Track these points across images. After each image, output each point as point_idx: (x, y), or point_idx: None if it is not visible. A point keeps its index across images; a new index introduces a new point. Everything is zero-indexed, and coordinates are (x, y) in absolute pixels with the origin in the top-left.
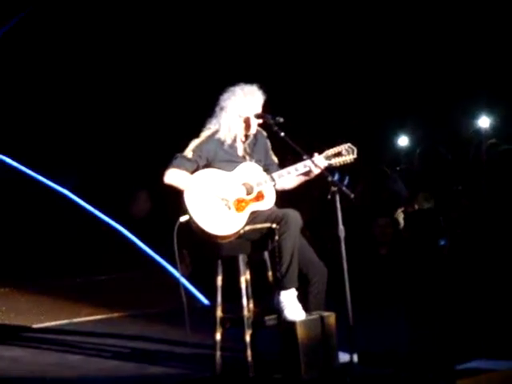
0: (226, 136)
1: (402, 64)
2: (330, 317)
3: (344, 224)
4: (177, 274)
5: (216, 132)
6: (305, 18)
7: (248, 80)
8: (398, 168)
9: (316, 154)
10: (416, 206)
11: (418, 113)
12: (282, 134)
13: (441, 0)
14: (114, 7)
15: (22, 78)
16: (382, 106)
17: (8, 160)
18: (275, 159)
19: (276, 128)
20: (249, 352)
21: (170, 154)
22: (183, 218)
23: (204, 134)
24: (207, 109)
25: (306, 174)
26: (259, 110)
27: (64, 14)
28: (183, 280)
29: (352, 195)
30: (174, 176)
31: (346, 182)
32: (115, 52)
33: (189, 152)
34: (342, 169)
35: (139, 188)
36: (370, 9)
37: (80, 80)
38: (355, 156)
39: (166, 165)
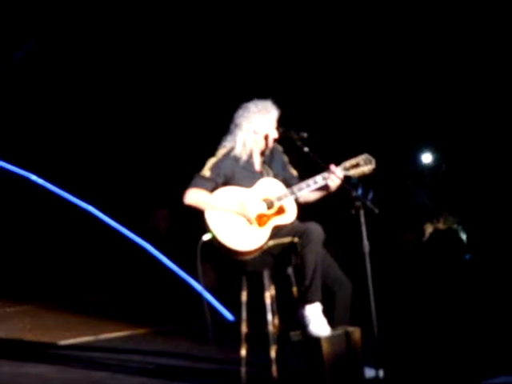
0: (241, 153)
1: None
2: (356, 332)
3: (369, 239)
4: (200, 289)
5: (232, 149)
6: (324, 33)
7: (263, 95)
8: (422, 182)
9: (333, 166)
10: (442, 221)
11: (443, 129)
12: (306, 148)
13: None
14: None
15: (44, 96)
16: (406, 120)
17: (34, 177)
18: (294, 172)
19: (299, 143)
20: (274, 368)
21: (187, 172)
22: (206, 237)
23: (220, 153)
24: (223, 126)
25: (327, 187)
26: (274, 125)
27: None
28: (207, 295)
29: (376, 210)
30: (194, 196)
31: (370, 196)
32: (136, 73)
33: (206, 171)
34: (367, 183)
35: (158, 206)
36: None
37: (104, 101)
38: (373, 166)
39: (185, 184)
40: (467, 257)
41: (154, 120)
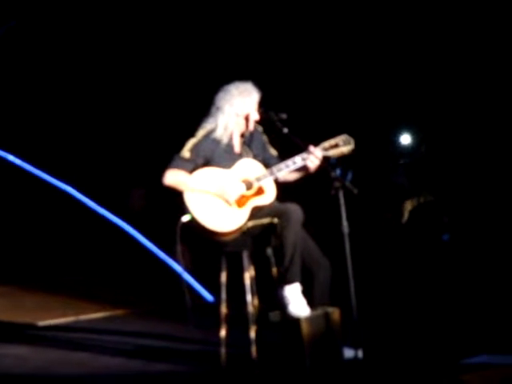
0: (222, 135)
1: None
2: (335, 312)
3: (348, 219)
4: (179, 270)
5: (212, 131)
6: (303, 12)
7: (243, 77)
8: (401, 162)
9: (312, 146)
10: (421, 200)
11: (422, 110)
12: (286, 130)
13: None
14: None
15: (21, 76)
16: (385, 101)
17: (11, 158)
18: (274, 152)
19: (279, 124)
20: (254, 348)
21: (165, 152)
22: (185, 218)
23: (200, 134)
24: (203, 107)
25: (306, 167)
26: (255, 107)
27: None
28: (186, 276)
29: (355, 190)
30: (173, 177)
31: (349, 177)
32: (111, 50)
33: (186, 152)
34: (346, 164)
35: (135, 186)
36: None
37: (78, 79)
38: (352, 146)
39: (163, 164)
40: (445, 237)
41: (133, 99)
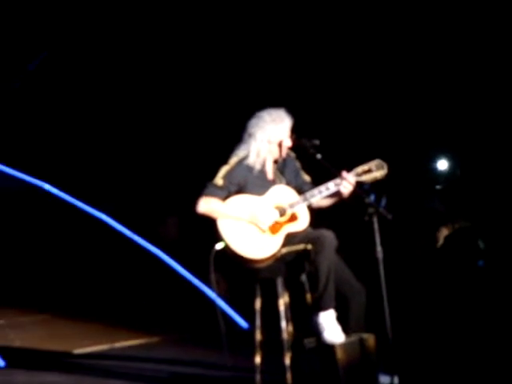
0: (255, 162)
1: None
2: (370, 338)
3: (382, 245)
4: (214, 297)
5: (245, 158)
6: (336, 41)
7: (276, 103)
8: (437, 187)
9: (344, 172)
10: (456, 226)
11: (458, 136)
12: (319, 156)
13: None
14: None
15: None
16: (420, 126)
17: (47, 186)
18: (307, 178)
19: (312, 150)
20: (289, 375)
21: (198, 180)
22: (219, 246)
23: (233, 161)
24: (236, 134)
25: (339, 193)
26: (287, 134)
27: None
28: (221, 303)
29: (390, 216)
30: (206, 205)
31: (383, 203)
32: (145, 77)
33: (219, 180)
34: (380, 190)
35: (168, 214)
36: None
37: (116, 109)
38: (386, 171)
39: (196, 192)
40: (481, 263)
41: (165, 127)
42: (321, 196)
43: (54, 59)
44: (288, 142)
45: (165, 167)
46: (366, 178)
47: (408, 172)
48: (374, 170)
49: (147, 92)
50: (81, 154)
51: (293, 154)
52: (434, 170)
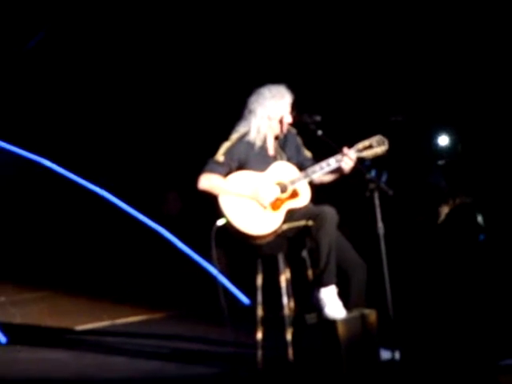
0: (255, 138)
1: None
2: (371, 314)
3: (383, 221)
4: (215, 273)
5: (246, 134)
6: (335, 16)
7: (276, 79)
8: (438, 163)
9: (345, 148)
10: (457, 202)
11: (460, 112)
12: (320, 132)
13: None
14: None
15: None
16: (422, 102)
17: (47, 162)
18: (309, 154)
19: (313, 126)
20: (290, 351)
21: (200, 156)
22: (220, 222)
23: (234, 137)
24: (237, 110)
25: (340, 169)
26: (288, 110)
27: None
28: (222, 279)
29: (391, 192)
30: (208, 181)
31: (384, 178)
32: (148, 58)
33: (220, 156)
34: (380, 166)
35: (169, 189)
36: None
37: (116, 84)
38: (387, 147)
39: (197, 167)
40: (482, 237)
41: (166, 103)
42: (322, 172)
43: (51, 36)
44: (288, 118)
45: (166, 142)
46: (366, 153)
47: (409, 148)
48: (375, 146)
49: (150, 68)
50: (80, 130)
51: (294, 130)
52: (435, 145)
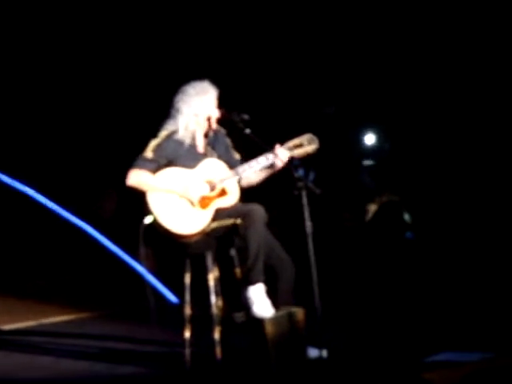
0: (184, 136)
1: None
2: (299, 312)
3: (311, 219)
4: (143, 272)
5: (174, 132)
6: (260, 10)
7: (203, 76)
8: (365, 162)
9: (277, 146)
10: (384, 199)
11: (386, 110)
12: (248, 130)
13: None
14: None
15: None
16: (349, 100)
17: None
18: (237, 156)
19: (241, 125)
20: (218, 349)
21: (131, 154)
22: (148, 220)
23: (162, 134)
24: (165, 108)
25: (270, 167)
26: (214, 104)
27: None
28: (150, 278)
29: (318, 191)
30: (136, 177)
31: (311, 177)
32: (83, 53)
33: (149, 152)
34: (308, 164)
35: (106, 188)
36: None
37: (49, 78)
38: (317, 146)
39: (128, 166)
40: (409, 235)
41: (103, 101)
42: (251, 171)
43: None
44: (215, 114)
45: (102, 142)
46: (297, 152)
47: (336, 146)
48: (306, 145)
49: (82, 66)
50: (6, 123)
51: (223, 131)
52: (362, 144)
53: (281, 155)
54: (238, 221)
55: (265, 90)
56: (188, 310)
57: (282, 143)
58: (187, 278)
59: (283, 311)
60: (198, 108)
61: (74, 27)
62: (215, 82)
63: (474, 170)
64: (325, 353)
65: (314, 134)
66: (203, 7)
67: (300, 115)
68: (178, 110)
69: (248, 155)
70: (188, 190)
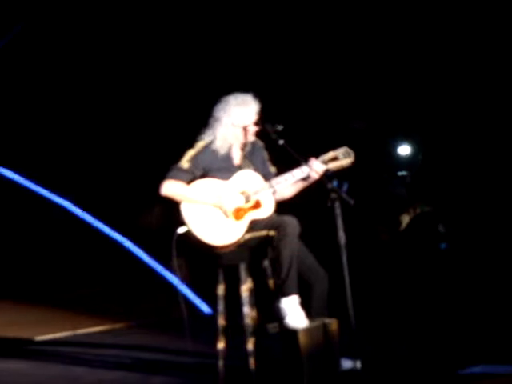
0: (221, 146)
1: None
2: (333, 323)
3: (344, 230)
4: (177, 283)
5: (211, 142)
6: (300, 26)
7: (243, 88)
8: (399, 173)
9: (312, 159)
10: (417, 211)
11: (421, 121)
12: (281, 141)
13: None
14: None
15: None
16: (383, 112)
17: (7, 172)
18: (273, 169)
19: (275, 136)
20: (251, 360)
21: (167, 165)
22: (181, 230)
23: (199, 145)
24: (203, 118)
25: (304, 180)
26: (254, 118)
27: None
28: (183, 289)
29: (352, 202)
30: (170, 188)
31: (344, 188)
32: (119, 69)
33: (184, 163)
34: (341, 175)
35: (155, 202)
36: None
37: (88, 96)
38: (352, 159)
39: (163, 177)
40: (443, 246)
41: (136, 111)
42: (286, 183)
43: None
44: (254, 127)
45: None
46: (332, 165)
47: (370, 157)
48: (341, 158)
49: (120, 79)
50: (50, 139)
51: (261, 143)
52: (396, 155)
53: (316, 168)
54: (272, 232)
55: (297, 103)
56: (221, 321)
57: (315, 156)
58: (220, 289)
59: (317, 322)
60: (236, 118)
61: (117, 39)
62: (259, 96)
63: (510, 181)
64: (358, 364)
65: (347, 143)
66: (244, 22)
67: (330, 129)
68: (217, 120)
69: (282, 167)
70: (222, 201)
